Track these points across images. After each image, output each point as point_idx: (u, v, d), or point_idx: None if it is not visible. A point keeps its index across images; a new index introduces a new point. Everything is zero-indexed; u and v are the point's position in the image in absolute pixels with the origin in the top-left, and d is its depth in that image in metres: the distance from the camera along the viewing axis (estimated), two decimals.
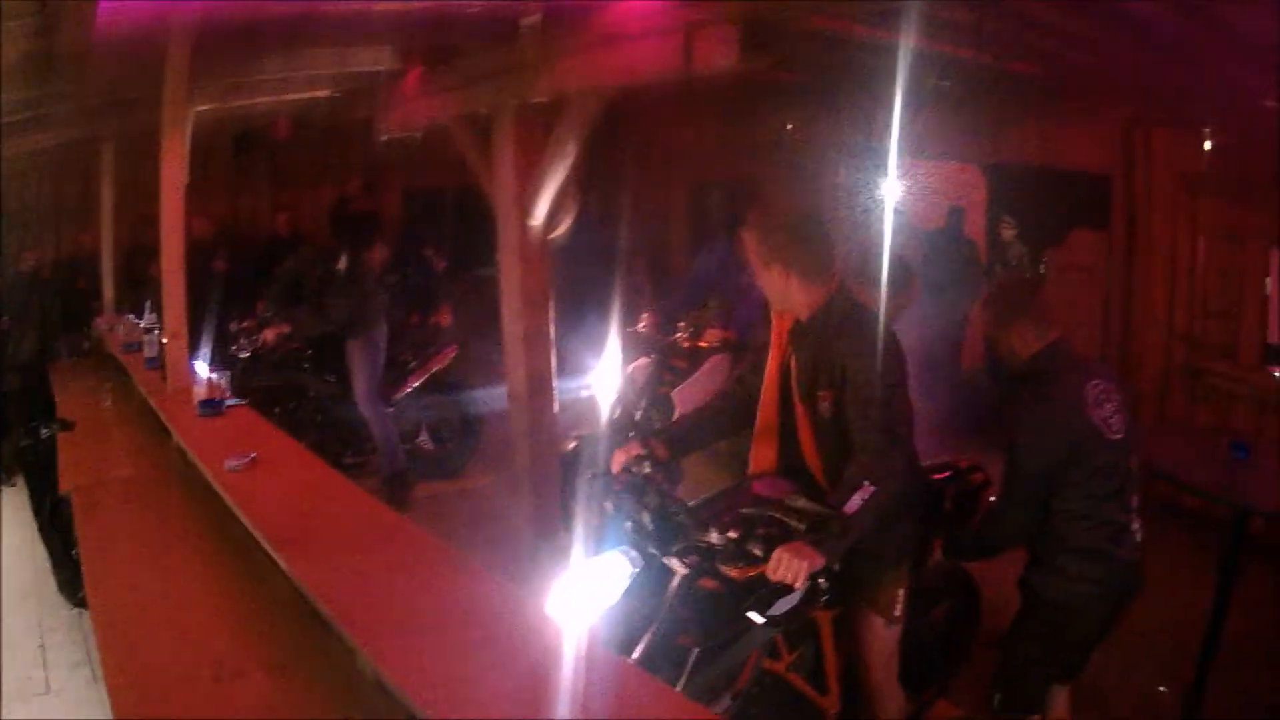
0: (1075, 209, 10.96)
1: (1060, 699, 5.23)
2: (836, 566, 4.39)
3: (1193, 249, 9.46)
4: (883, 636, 4.82)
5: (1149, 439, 5.63)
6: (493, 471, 9.70)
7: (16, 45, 6.17)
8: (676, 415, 7.16)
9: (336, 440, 9.82)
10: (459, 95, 8.67)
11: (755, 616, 4.19)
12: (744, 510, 4.28)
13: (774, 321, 4.79)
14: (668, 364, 8.92)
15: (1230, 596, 5.60)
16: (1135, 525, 4.83)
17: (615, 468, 4.74)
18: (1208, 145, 9.13)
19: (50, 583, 7.48)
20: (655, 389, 8.89)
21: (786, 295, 4.56)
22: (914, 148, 10.34)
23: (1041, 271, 10.82)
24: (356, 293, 9.64)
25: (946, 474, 5.55)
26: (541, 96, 7.60)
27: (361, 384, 9.75)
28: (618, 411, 8.92)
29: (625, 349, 9.29)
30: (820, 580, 4.23)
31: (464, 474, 10.39)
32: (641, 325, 9.41)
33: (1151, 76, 8.27)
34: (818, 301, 4.53)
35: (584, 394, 9.30)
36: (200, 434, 6.27)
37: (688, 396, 8.35)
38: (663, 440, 4.91)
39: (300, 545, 4.30)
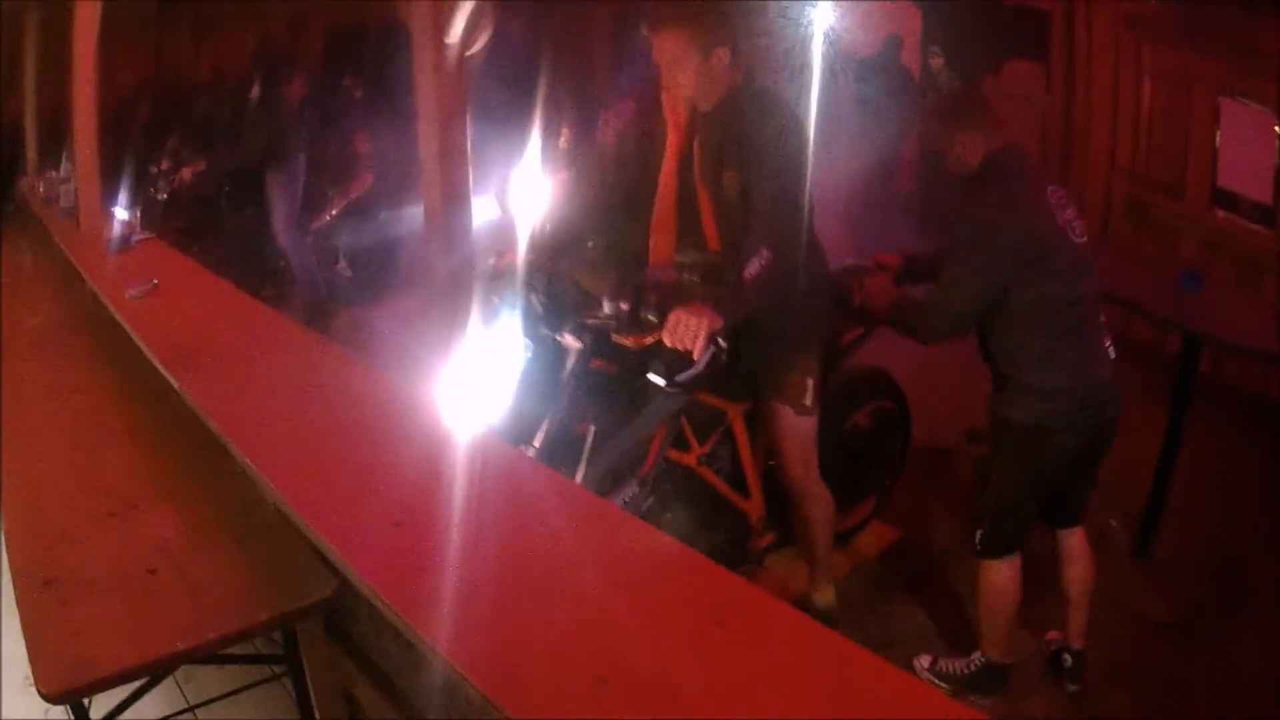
0: (1013, 41, 10.69)
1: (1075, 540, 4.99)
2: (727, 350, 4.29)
3: (1137, 89, 9.24)
4: (794, 426, 4.74)
5: (1097, 260, 5.47)
6: (413, 294, 9.52)
7: None
8: None
9: (256, 273, 9.66)
10: None
11: (655, 377, 4.10)
12: (634, 281, 4.21)
13: (669, 116, 4.64)
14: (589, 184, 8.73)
15: (1181, 431, 5.57)
16: (1107, 342, 4.62)
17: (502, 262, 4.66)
18: None
19: None
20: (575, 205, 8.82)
21: (718, 80, 4.39)
22: None
23: None
24: (272, 125, 9.57)
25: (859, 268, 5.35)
26: None
27: (280, 215, 9.73)
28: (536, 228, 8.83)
29: (545, 164, 9.18)
30: (719, 341, 4.09)
31: (385, 299, 10.14)
32: (562, 141, 9.23)
33: None
34: (724, 89, 4.40)
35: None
36: (108, 269, 6.11)
37: None
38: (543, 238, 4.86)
39: (193, 362, 4.20)
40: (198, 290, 5.45)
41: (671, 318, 3.91)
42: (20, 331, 6.27)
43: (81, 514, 3.85)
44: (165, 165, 9.80)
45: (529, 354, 4.38)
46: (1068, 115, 9.90)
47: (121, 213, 6.78)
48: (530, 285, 4.44)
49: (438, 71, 7.96)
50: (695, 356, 3.90)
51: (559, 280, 4.44)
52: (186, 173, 9.64)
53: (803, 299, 4.46)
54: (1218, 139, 8.47)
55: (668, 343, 3.90)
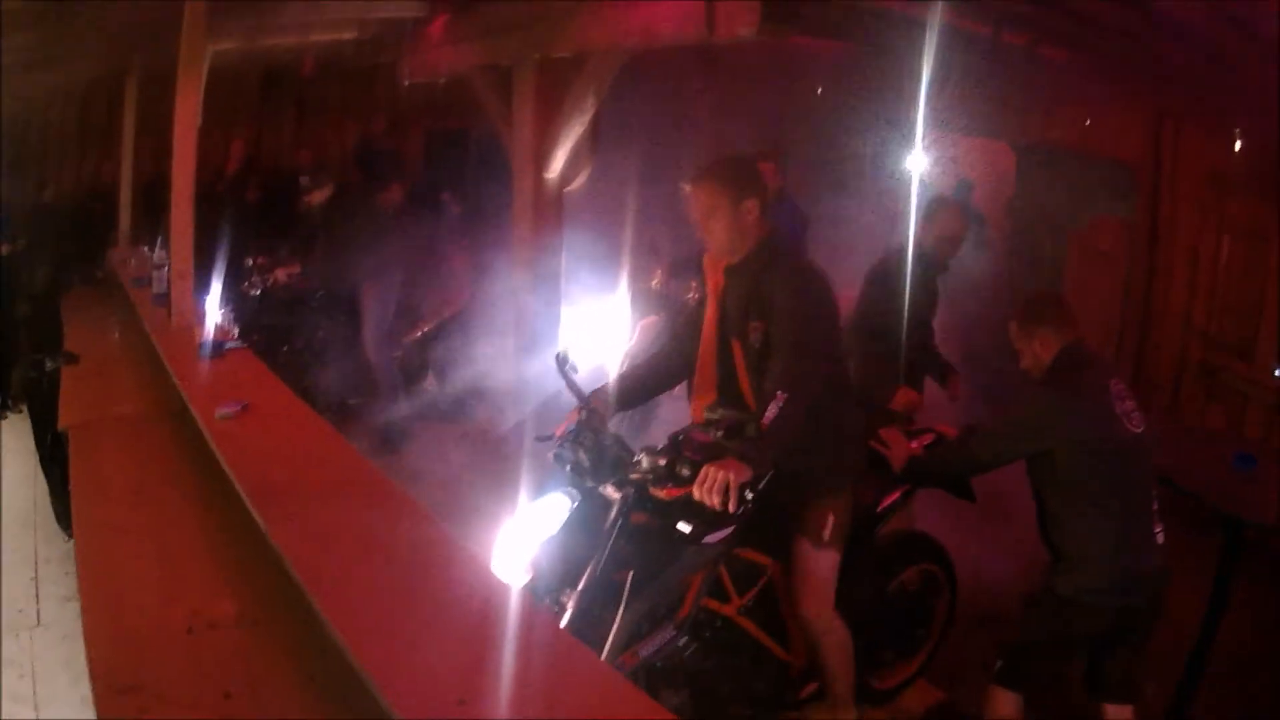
0: (1100, 194, 10.94)
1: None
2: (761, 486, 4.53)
3: (1216, 245, 9.43)
4: (813, 560, 4.94)
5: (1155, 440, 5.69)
6: (497, 418, 9.73)
7: None
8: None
9: (341, 381, 9.87)
10: (481, 45, 8.77)
11: (683, 526, 4.39)
12: (672, 434, 4.55)
13: (708, 274, 4.99)
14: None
15: (1226, 603, 5.67)
16: (1158, 529, 4.92)
17: (560, 430, 4.92)
18: (1238, 144, 9.10)
19: (49, 513, 7.63)
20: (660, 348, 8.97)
21: (731, 236, 4.74)
22: (939, 120, 10.33)
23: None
24: (372, 234, 9.67)
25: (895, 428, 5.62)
26: (563, 51, 7.67)
27: (371, 327, 9.83)
28: (624, 367, 9.01)
29: (636, 305, 9.37)
30: (748, 493, 4.35)
31: (466, 418, 10.31)
32: (655, 282, 9.45)
33: (1182, 70, 8.27)
34: (754, 242, 4.75)
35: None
36: (198, 376, 6.41)
37: None
38: (602, 397, 5.08)
39: (278, 501, 4.41)
40: (286, 417, 5.67)
41: (701, 472, 4.19)
42: (108, 418, 6.52)
43: (162, 626, 4.02)
44: (260, 260, 10.03)
45: (575, 504, 4.64)
46: (1149, 273, 10.04)
47: (213, 312, 7.01)
48: (579, 441, 4.71)
49: (536, 208, 8.36)
50: (723, 507, 4.17)
51: (605, 436, 4.73)
52: (282, 273, 9.88)
53: (825, 435, 4.76)
54: None
55: (696, 496, 4.19)
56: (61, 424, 6.47)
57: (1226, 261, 9.37)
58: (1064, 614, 4.91)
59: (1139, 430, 4.83)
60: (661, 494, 4.45)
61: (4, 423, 10.37)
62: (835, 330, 4.85)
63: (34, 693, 5.76)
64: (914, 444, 5.48)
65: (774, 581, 5.02)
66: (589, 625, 4.36)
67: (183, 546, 4.75)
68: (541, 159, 8.06)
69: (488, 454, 8.78)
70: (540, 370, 8.50)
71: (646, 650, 4.51)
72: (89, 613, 4.13)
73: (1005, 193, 12.30)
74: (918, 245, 6.44)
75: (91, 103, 12.88)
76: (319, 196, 10.25)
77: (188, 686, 3.67)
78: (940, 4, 6.58)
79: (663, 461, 4.47)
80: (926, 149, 10.85)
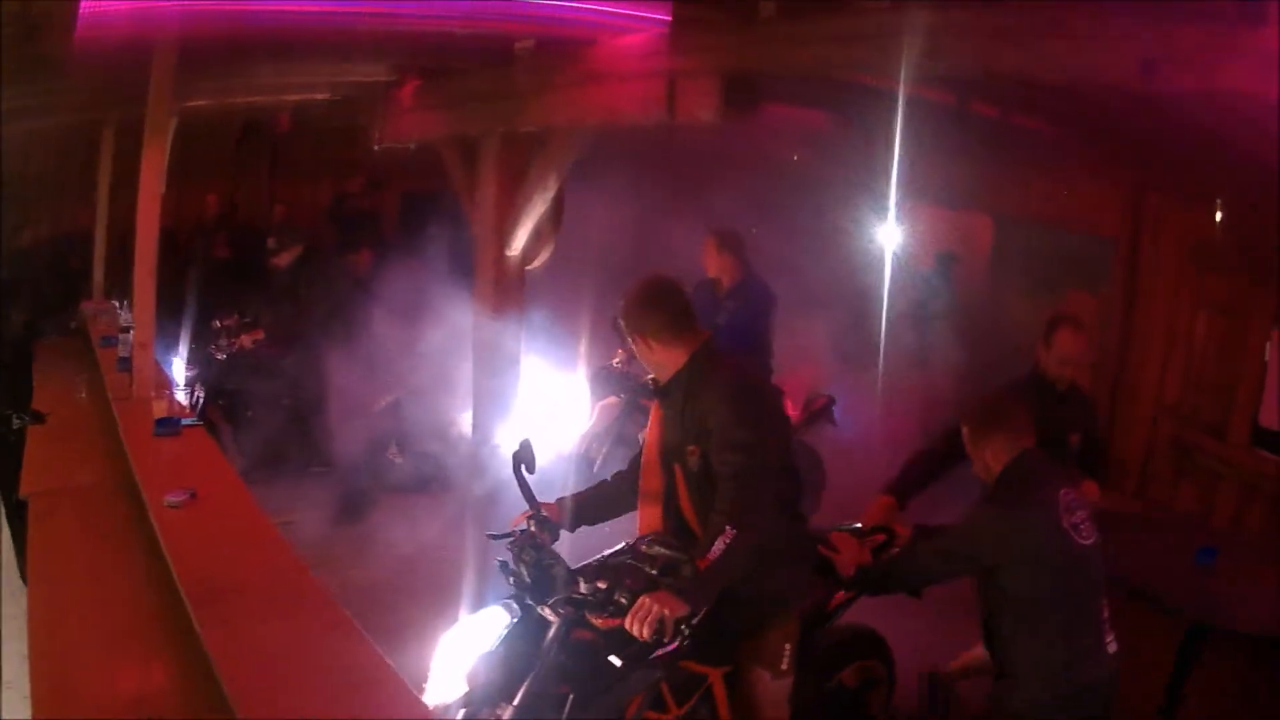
0: (1075, 269, 11.00)
1: None
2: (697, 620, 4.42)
3: (1191, 321, 9.46)
4: (770, 690, 4.91)
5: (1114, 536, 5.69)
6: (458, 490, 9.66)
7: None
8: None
9: (305, 448, 9.84)
10: (450, 114, 8.79)
11: (614, 660, 4.33)
12: (613, 563, 4.52)
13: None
14: (638, 404, 8.88)
15: (1179, 700, 5.73)
16: (1108, 639, 4.92)
17: (515, 522, 4.97)
18: (1218, 216, 9.12)
19: (14, 569, 7.58)
20: (621, 430, 8.95)
21: (653, 362, 4.80)
22: (915, 191, 10.35)
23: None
24: (339, 299, 9.64)
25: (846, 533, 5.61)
26: (529, 125, 7.68)
27: (336, 394, 9.83)
28: (581, 449, 9.00)
29: (596, 386, 9.35)
30: (684, 629, 4.29)
31: (430, 490, 10.19)
32: (616, 361, 9.42)
33: (1164, 144, 8.26)
34: (679, 362, 4.73)
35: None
36: (151, 457, 6.44)
37: None
38: (560, 508, 5.09)
39: (216, 604, 4.43)
40: (231, 510, 5.68)
41: (638, 603, 4.18)
42: (69, 487, 6.53)
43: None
44: (228, 323, 10.02)
45: (515, 619, 4.66)
46: (1122, 349, 10.07)
47: (174, 383, 7.00)
48: (521, 557, 4.73)
49: (497, 286, 8.33)
50: (654, 640, 4.18)
51: (546, 555, 4.73)
52: (246, 339, 9.87)
53: (779, 564, 4.71)
54: (1266, 353, 8.66)
55: (628, 626, 4.17)
56: (23, 491, 6.46)
57: (1202, 338, 9.39)
58: None
59: (1088, 542, 4.82)
60: (598, 623, 4.44)
61: None
62: (782, 445, 4.77)
63: None
64: (864, 547, 5.43)
65: (712, 690, 4.96)
66: None
67: (134, 636, 4.73)
68: (504, 235, 8.05)
69: (446, 528, 8.72)
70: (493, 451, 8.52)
71: None
72: (37, 700, 4.14)
73: (981, 266, 12.29)
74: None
75: (71, 151, 12.85)
76: (286, 259, 10.24)
77: None
78: (905, 76, 6.53)
79: (601, 586, 4.44)
80: (900, 220, 10.85)
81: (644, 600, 4.17)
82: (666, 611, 4.13)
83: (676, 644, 4.39)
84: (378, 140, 10.14)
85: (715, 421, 4.52)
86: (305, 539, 8.03)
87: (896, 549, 5.56)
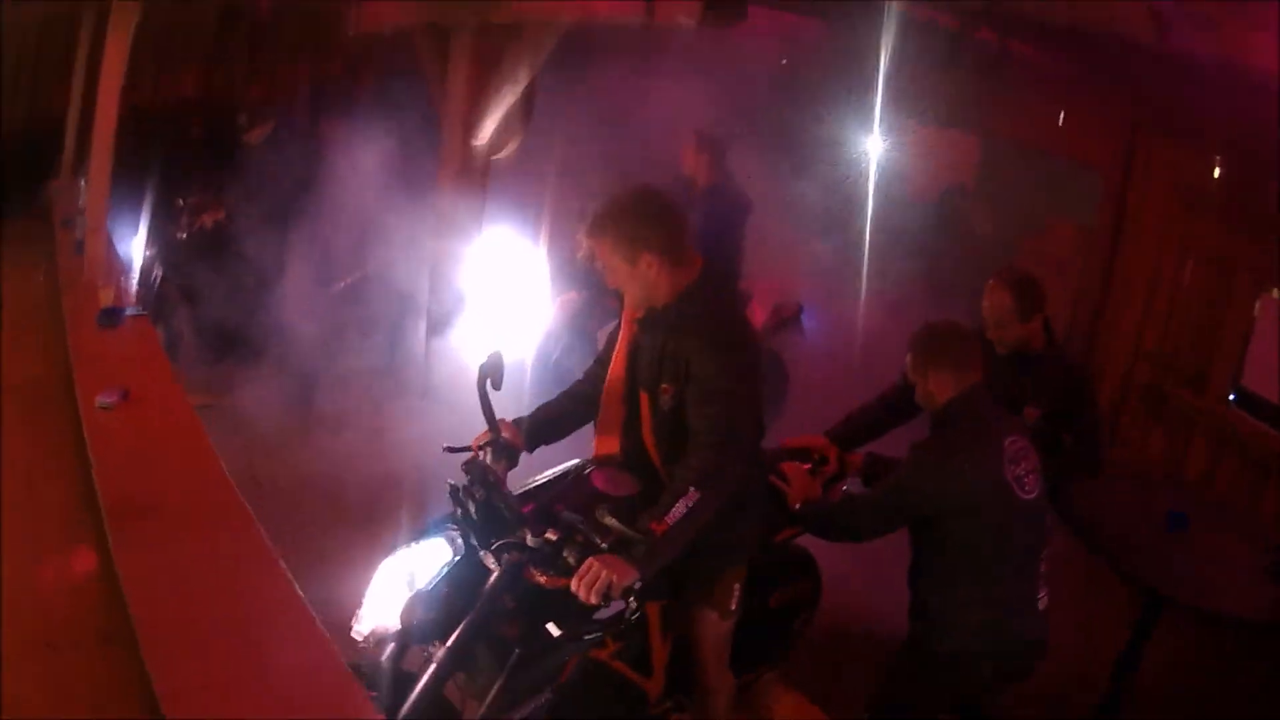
0: (1061, 197, 10.74)
1: None
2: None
3: (1178, 267, 9.20)
4: (716, 629, 4.82)
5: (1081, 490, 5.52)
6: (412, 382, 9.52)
7: None
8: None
9: (262, 328, 9.60)
10: (424, 3, 8.51)
11: (552, 629, 4.05)
12: (565, 514, 4.19)
13: (625, 310, 4.69)
14: (600, 301, 8.61)
15: (1136, 667, 5.61)
16: (1041, 594, 4.78)
17: (474, 446, 4.70)
18: (1216, 170, 8.83)
19: None
20: (582, 327, 8.75)
21: (654, 286, 4.37)
22: (901, 106, 10.09)
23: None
24: (306, 176, 9.43)
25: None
26: (501, 18, 7.47)
27: (295, 273, 9.54)
28: (540, 344, 8.81)
29: (557, 279, 9.12)
30: (631, 600, 4.02)
31: (384, 379, 9.86)
32: (580, 253, 9.17)
33: (1163, 86, 8.02)
34: (679, 288, 4.37)
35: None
36: (91, 350, 6.24)
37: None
38: (519, 428, 4.81)
39: (133, 521, 4.28)
40: (163, 415, 5.47)
41: (585, 565, 3.91)
42: (11, 383, 6.24)
43: (26, 638, 3.85)
44: (192, 201, 9.79)
45: (457, 555, 4.43)
46: (1103, 288, 9.81)
47: (132, 264, 6.79)
48: (470, 491, 4.44)
49: (461, 173, 8.15)
50: (600, 605, 3.91)
51: (498, 494, 4.42)
52: (208, 219, 9.64)
53: (737, 514, 4.45)
54: (1256, 310, 8.37)
55: (573, 588, 3.91)
56: None
57: (1188, 285, 9.14)
58: (935, 674, 4.83)
59: (1031, 496, 4.65)
60: (541, 580, 4.16)
61: None
62: (756, 400, 4.49)
63: None
64: (815, 481, 5.28)
65: (648, 620, 4.81)
66: (457, 683, 4.28)
67: (60, 550, 4.54)
68: (471, 125, 7.86)
69: (399, 422, 8.55)
70: (447, 340, 8.32)
71: (521, 713, 4.31)
72: None
73: (964, 185, 12.06)
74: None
75: (49, 36, 12.55)
76: (258, 134, 9.99)
77: (44, 706, 3.57)
78: None
79: (552, 538, 4.16)
80: (885, 133, 10.60)
81: (592, 563, 3.88)
82: (615, 578, 3.85)
83: (624, 608, 4.17)
84: (353, 26, 9.91)
85: (699, 368, 4.24)
86: (250, 423, 8.09)
87: (845, 484, 5.50)
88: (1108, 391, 9.50)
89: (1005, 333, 5.60)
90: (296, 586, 3.87)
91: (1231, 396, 8.32)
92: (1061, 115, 10.19)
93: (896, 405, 5.57)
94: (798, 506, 5.09)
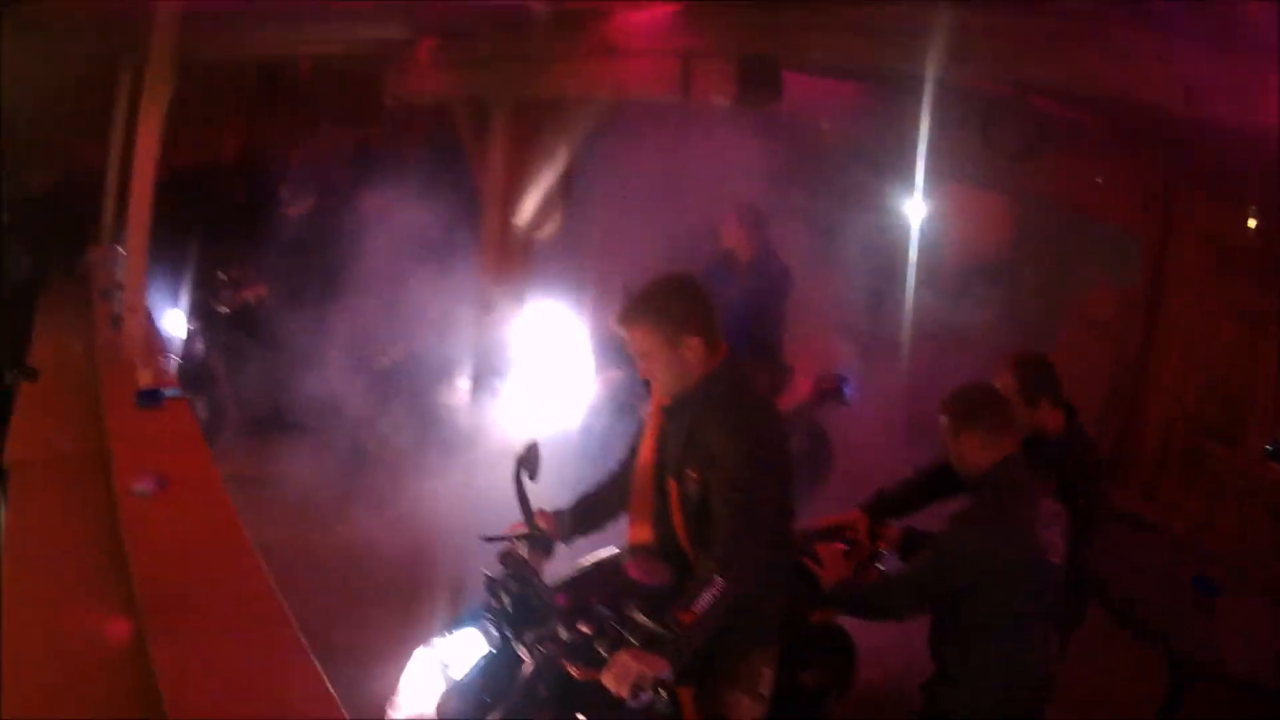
0: (1102, 261, 10.63)
1: None
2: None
3: (1216, 327, 9.14)
4: (749, 712, 4.73)
5: (1105, 554, 5.45)
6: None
7: None
8: None
9: (303, 403, 9.61)
10: (465, 75, 8.61)
11: None
12: (597, 607, 4.18)
13: (653, 396, 4.69)
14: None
15: None
16: (1051, 637, 4.81)
17: (510, 536, 4.74)
18: (1252, 223, 8.78)
19: None
20: (624, 403, 8.74)
21: (690, 369, 4.38)
22: (939, 170, 10.04)
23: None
24: (348, 252, 9.45)
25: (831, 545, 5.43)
26: (540, 94, 7.50)
27: (339, 350, 9.55)
28: (583, 424, 8.80)
29: (600, 358, 9.12)
30: (661, 692, 3.99)
31: (425, 457, 9.72)
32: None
33: (1197, 143, 7.98)
34: (696, 379, 4.40)
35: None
36: (128, 432, 6.21)
37: None
38: (557, 519, 4.85)
39: (168, 612, 4.24)
40: (201, 505, 5.43)
41: (614, 658, 3.93)
42: (51, 456, 6.32)
43: None
44: (234, 274, 9.83)
45: (492, 646, 4.46)
46: (1144, 348, 9.75)
47: (172, 342, 6.81)
48: (504, 583, 4.49)
49: (501, 252, 8.20)
50: (631, 700, 3.88)
51: (531, 587, 4.47)
52: (250, 295, 9.67)
53: (766, 596, 4.48)
54: None
55: (606, 685, 3.91)
56: (6, 460, 6.23)
57: (1226, 344, 9.06)
58: None
59: (1059, 561, 4.66)
60: (574, 672, 4.18)
61: None
62: (781, 483, 4.48)
63: None
64: (848, 562, 5.29)
65: (681, 706, 4.72)
66: None
67: (91, 636, 4.47)
68: (511, 201, 7.90)
69: (437, 504, 8.50)
70: (489, 419, 8.30)
71: None
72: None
73: (1006, 250, 11.98)
74: None
75: (88, 93, 12.61)
76: (299, 208, 10.02)
77: None
78: (931, 75, 6.24)
79: (586, 631, 4.17)
80: (926, 199, 10.58)
81: (622, 657, 3.90)
82: (646, 670, 3.87)
83: (652, 700, 4.14)
84: (392, 96, 9.98)
85: (722, 453, 4.24)
86: (290, 498, 8.16)
87: (880, 565, 5.46)
88: (1148, 450, 9.48)
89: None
90: (331, 688, 3.81)
91: (1269, 448, 8.19)
92: (1100, 179, 10.11)
93: (936, 480, 5.52)
94: (831, 589, 5.08)
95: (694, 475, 4.39)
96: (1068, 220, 10.85)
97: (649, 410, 4.75)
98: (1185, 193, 9.46)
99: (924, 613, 4.85)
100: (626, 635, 3.99)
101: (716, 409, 4.33)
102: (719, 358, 4.41)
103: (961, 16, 4.85)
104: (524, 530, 4.72)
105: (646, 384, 4.71)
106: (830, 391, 9.06)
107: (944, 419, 4.86)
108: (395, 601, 6.41)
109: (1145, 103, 5.28)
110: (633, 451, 4.91)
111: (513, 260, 8.17)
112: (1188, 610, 5.53)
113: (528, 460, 4.65)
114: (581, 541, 4.97)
